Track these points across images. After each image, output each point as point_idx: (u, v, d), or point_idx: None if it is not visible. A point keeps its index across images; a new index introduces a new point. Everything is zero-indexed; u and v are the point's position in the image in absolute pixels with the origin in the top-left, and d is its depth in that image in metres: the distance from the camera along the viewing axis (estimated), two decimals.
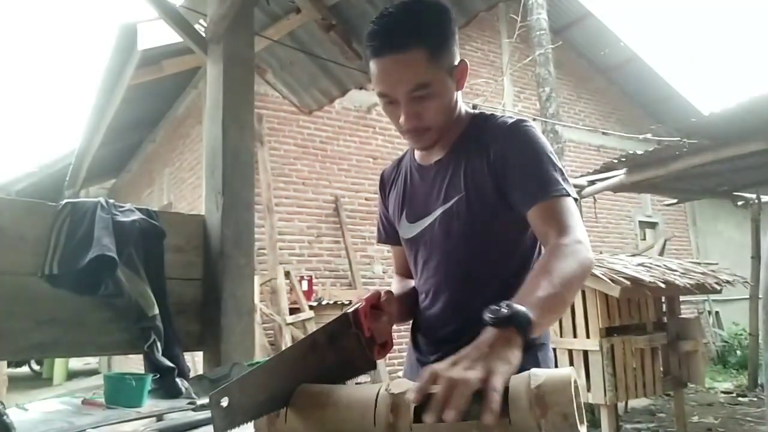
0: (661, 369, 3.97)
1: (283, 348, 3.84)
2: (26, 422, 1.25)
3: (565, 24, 8.82)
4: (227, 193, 2.16)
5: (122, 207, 1.92)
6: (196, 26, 2.56)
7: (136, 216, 1.91)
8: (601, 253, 5.13)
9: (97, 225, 1.77)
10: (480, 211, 1.12)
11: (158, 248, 1.98)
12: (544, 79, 6.75)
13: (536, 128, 1.14)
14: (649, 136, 6.79)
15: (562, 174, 1.08)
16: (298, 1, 2.87)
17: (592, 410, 4.00)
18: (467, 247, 1.14)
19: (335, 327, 1.01)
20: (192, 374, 1.87)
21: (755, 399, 5.87)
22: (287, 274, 5.54)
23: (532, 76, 7.52)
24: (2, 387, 5.82)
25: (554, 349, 1.48)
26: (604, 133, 8.98)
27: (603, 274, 3.44)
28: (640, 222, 9.45)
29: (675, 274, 3.92)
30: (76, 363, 10.97)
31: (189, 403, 1.50)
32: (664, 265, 4.09)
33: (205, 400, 1.43)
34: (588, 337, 3.62)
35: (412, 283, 1.31)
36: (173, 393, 1.64)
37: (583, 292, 3.61)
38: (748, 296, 6.44)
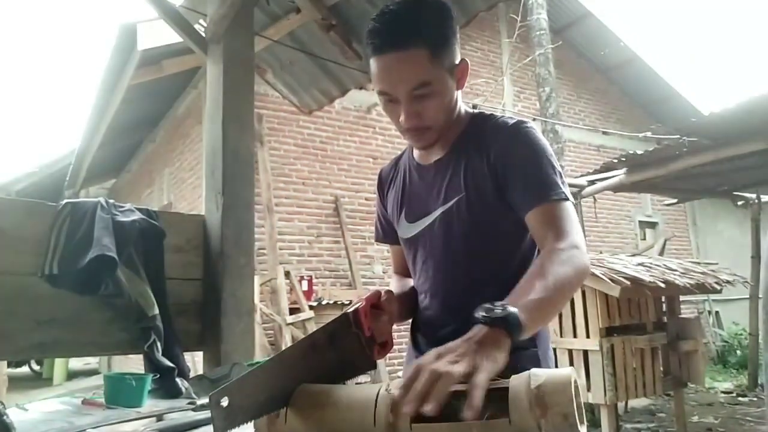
0: (661, 369, 3.97)
1: (283, 348, 3.84)
2: (26, 422, 1.25)
3: (565, 24, 8.82)
4: (227, 193, 2.16)
5: (122, 207, 1.92)
6: (196, 26, 2.56)
7: (136, 216, 1.91)
8: (601, 252, 5.13)
9: (97, 225, 1.77)
10: (480, 212, 1.12)
11: (158, 248, 1.98)
12: (544, 79, 6.75)
13: (537, 130, 1.13)
14: (649, 134, 6.79)
15: (561, 177, 1.08)
16: (298, 1, 2.86)
17: (592, 410, 4.00)
18: (467, 248, 1.14)
19: (335, 327, 1.01)
20: (192, 374, 1.87)
21: (755, 399, 5.87)
22: (287, 274, 5.54)
23: (532, 76, 7.52)
24: (2, 387, 5.81)
25: (554, 349, 1.48)
26: (604, 133, 8.99)
27: (603, 274, 3.43)
28: (640, 222, 9.45)
29: (675, 274, 3.92)
30: (76, 363, 10.97)
31: (189, 403, 1.50)
32: (664, 265, 4.09)
33: (205, 400, 1.42)
34: (588, 336, 3.62)
35: (411, 282, 1.30)
36: (173, 393, 1.64)
37: (583, 292, 3.61)
38: (748, 296, 6.44)
